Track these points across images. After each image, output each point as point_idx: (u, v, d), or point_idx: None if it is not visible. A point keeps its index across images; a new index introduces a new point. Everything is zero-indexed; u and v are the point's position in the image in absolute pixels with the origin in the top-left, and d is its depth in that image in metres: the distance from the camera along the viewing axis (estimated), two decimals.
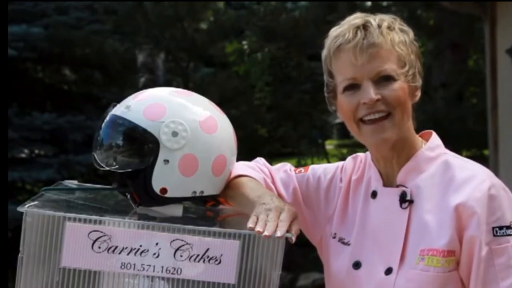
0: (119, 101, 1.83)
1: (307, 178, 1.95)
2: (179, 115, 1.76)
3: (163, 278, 1.59)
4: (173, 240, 1.58)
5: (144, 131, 1.73)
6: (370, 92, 1.76)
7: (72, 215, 1.59)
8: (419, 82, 1.83)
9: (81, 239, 1.58)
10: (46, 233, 1.58)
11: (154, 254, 1.58)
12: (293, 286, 8.89)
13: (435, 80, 10.26)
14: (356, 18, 1.83)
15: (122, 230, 1.59)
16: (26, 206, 1.60)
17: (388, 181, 1.84)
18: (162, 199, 1.71)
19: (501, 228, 1.72)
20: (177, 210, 1.71)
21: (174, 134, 1.74)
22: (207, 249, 1.58)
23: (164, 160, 1.72)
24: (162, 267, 1.58)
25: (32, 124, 8.41)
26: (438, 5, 8.17)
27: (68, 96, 9.93)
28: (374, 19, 1.81)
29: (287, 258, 1.65)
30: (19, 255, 1.59)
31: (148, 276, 1.59)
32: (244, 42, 11.92)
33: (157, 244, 1.58)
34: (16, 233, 1.60)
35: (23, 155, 9.12)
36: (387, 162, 1.83)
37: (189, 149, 1.74)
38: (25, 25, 8.61)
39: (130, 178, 1.73)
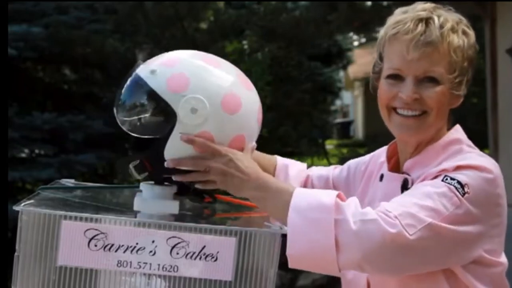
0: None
1: (341, 169, 2.07)
2: (202, 90, 1.71)
3: (159, 276, 1.59)
4: (170, 238, 1.57)
5: (164, 102, 1.69)
6: (410, 90, 1.75)
7: (68, 213, 1.58)
8: (463, 91, 1.81)
9: (77, 237, 1.57)
10: (42, 231, 1.58)
11: (151, 251, 1.57)
12: (293, 286, 8.88)
13: None
14: (423, 10, 1.80)
15: (118, 228, 1.58)
16: (22, 204, 1.60)
17: (399, 166, 1.86)
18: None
19: (453, 179, 1.68)
20: (173, 208, 1.71)
21: (193, 110, 1.69)
22: (204, 246, 1.57)
23: (180, 134, 1.69)
24: (159, 264, 1.58)
25: (32, 123, 8.41)
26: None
27: (68, 95, 9.93)
28: (438, 17, 1.78)
29: (287, 258, 1.64)
30: (15, 253, 1.58)
31: (145, 274, 1.59)
32: (244, 42, 11.93)
33: (153, 241, 1.57)
34: (16, 233, 1.60)
35: (23, 155, 9.12)
36: (408, 147, 1.85)
37: (207, 127, 1.70)
38: (25, 24, 8.61)
39: (145, 144, 1.71)
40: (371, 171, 1.96)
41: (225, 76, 1.76)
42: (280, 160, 2.13)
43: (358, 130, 22.55)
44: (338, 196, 1.66)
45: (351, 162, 2.07)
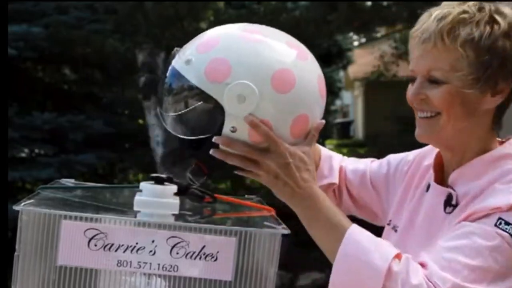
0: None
1: (379, 164, 1.91)
2: (246, 73, 1.50)
3: (159, 276, 1.58)
4: (169, 237, 1.57)
5: (206, 95, 1.51)
6: (412, 91, 1.65)
7: (68, 213, 1.58)
8: (477, 88, 1.61)
9: (77, 237, 1.57)
10: (42, 231, 1.57)
11: (151, 251, 1.57)
12: (293, 286, 8.88)
13: None
14: (448, 5, 1.65)
15: (118, 227, 1.58)
16: (22, 204, 1.59)
17: (444, 177, 1.72)
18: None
19: (508, 223, 1.52)
20: (173, 207, 1.70)
21: (240, 99, 1.50)
22: (204, 246, 1.57)
23: (232, 127, 1.53)
24: (159, 264, 1.57)
25: (32, 123, 8.42)
26: (438, 5, 8.16)
27: (68, 95, 9.95)
28: (442, 9, 1.64)
29: (287, 258, 1.64)
30: (15, 253, 1.58)
31: (144, 274, 1.59)
32: None
33: (153, 241, 1.57)
34: (16, 233, 1.60)
35: (23, 155, 9.14)
36: (446, 153, 1.72)
37: (261, 113, 1.52)
38: (25, 24, 8.62)
39: (196, 146, 1.58)
40: (413, 173, 1.82)
41: (272, 50, 1.54)
42: (323, 150, 2.01)
43: (358, 130, 22.56)
44: (396, 256, 1.50)
45: (391, 158, 1.92)
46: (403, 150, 1.95)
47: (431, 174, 1.76)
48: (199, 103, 1.53)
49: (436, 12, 1.65)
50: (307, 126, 1.58)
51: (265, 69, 1.51)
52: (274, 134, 1.53)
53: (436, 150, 1.77)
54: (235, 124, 1.52)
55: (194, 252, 1.57)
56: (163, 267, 1.57)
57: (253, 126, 1.51)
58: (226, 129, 1.53)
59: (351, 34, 13.57)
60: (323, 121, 1.62)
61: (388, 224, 1.82)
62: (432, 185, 1.72)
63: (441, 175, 1.74)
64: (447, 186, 1.69)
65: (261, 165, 1.56)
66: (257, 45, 1.54)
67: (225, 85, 1.50)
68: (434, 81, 1.63)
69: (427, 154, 1.82)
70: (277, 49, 1.55)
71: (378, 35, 13.30)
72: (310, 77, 1.57)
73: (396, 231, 1.78)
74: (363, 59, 15.49)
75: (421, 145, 1.82)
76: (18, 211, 1.58)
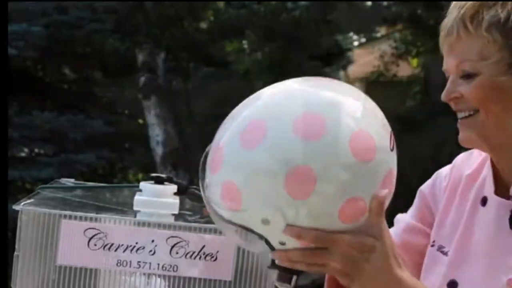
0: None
1: (413, 206, 1.64)
2: (256, 193, 1.25)
3: (159, 275, 1.58)
4: (169, 237, 1.57)
5: (233, 226, 1.34)
6: (444, 91, 1.47)
7: (68, 212, 1.58)
8: (511, 74, 1.41)
9: (77, 236, 1.57)
10: (41, 230, 1.57)
11: (150, 251, 1.57)
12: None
13: (435, 79, 10.27)
14: None
15: (118, 227, 1.58)
16: (22, 204, 1.59)
17: (503, 187, 1.49)
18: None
19: None
20: (173, 207, 1.71)
21: (265, 222, 1.27)
22: (203, 246, 1.57)
23: (279, 243, 1.31)
24: (158, 264, 1.57)
25: (32, 123, 8.44)
26: (438, 5, 8.17)
27: (68, 95, 9.96)
28: None
29: None
30: (15, 253, 1.58)
31: (144, 273, 1.59)
32: (244, 42, 11.94)
33: (153, 241, 1.57)
34: (16, 232, 1.60)
35: (23, 154, 9.15)
36: (495, 157, 1.50)
37: (297, 223, 1.26)
38: (25, 24, 8.63)
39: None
40: (453, 186, 1.58)
41: (275, 147, 1.21)
42: None
43: None
44: None
45: (421, 187, 1.65)
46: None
47: (481, 184, 1.54)
48: (233, 233, 1.36)
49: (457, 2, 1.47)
50: (363, 206, 1.26)
51: (274, 179, 1.22)
52: (326, 233, 1.27)
53: (473, 157, 1.60)
54: (279, 239, 1.30)
55: (193, 252, 1.57)
56: (162, 267, 1.57)
57: (298, 238, 1.27)
58: (276, 245, 1.31)
59: (351, 34, 13.58)
60: (383, 193, 1.27)
61: (432, 246, 1.58)
62: (492, 198, 1.49)
63: (495, 185, 1.52)
64: (508, 198, 1.47)
65: (326, 267, 1.34)
66: (257, 148, 1.23)
67: (242, 213, 1.29)
68: (465, 76, 1.44)
69: (464, 163, 1.60)
70: (282, 142, 1.21)
71: (378, 35, 13.30)
72: (335, 155, 1.21)
73: (444, 253, 1.55)
74: (363, 59, 15.48)
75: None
76: (18, 211, 1.57)
